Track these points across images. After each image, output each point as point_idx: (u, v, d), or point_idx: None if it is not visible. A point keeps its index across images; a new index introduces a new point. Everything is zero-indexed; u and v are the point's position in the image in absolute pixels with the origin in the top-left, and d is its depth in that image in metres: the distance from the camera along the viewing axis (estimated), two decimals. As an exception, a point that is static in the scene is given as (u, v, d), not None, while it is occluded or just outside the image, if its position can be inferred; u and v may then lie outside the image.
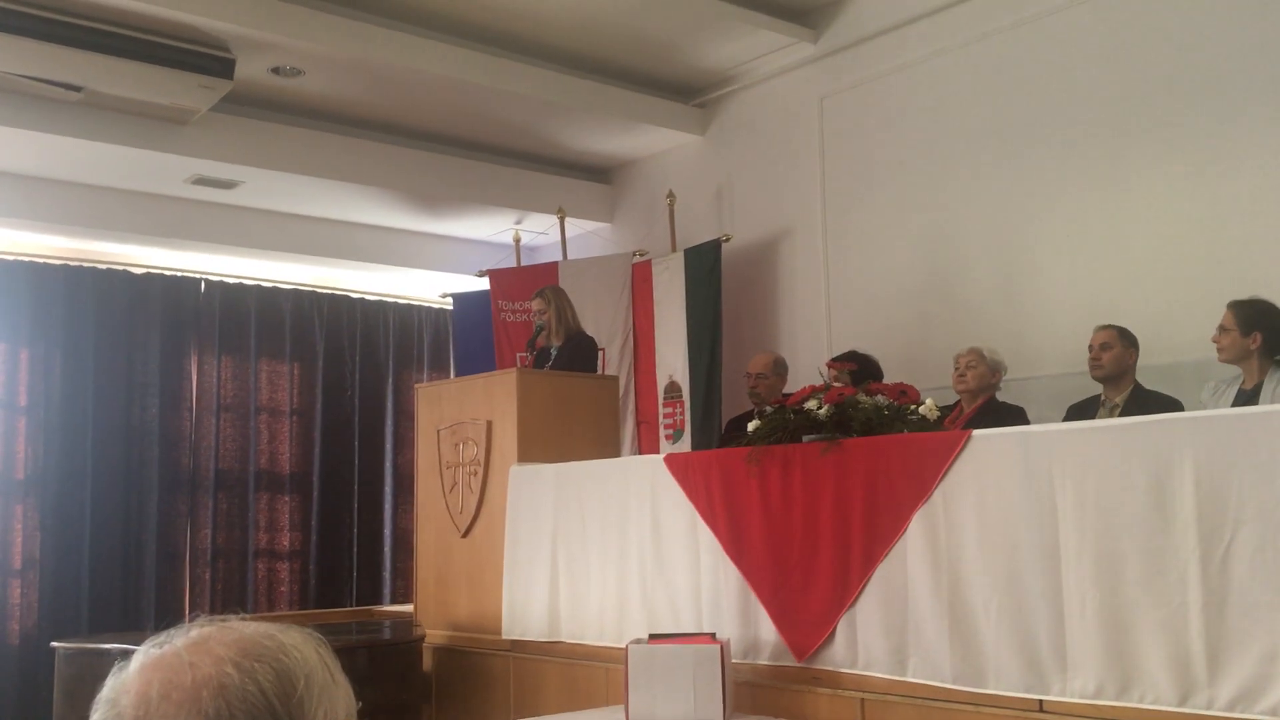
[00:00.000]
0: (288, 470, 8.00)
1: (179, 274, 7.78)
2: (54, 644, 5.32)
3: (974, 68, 6.09)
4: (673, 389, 7.21)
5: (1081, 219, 5.61)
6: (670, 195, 7.34)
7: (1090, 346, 4.73)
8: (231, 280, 7.99)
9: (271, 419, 8.01)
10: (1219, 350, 4.35)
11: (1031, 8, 5.82)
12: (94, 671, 4.82)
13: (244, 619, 1.09)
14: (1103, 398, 4.73)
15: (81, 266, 7.39)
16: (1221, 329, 4.32)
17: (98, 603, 7.07)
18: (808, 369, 5.58)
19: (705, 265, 7.05)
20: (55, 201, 7.00)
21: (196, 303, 7.80)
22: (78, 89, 5.86)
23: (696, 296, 7.08)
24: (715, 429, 6.74)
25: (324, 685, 1.06)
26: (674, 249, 7.31)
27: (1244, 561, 2.91)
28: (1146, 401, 4.52)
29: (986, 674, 3.41)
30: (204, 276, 7.88)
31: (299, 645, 1.07)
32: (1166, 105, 5.32)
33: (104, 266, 7.49)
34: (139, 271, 7.61)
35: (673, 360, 7.21)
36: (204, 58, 5.93)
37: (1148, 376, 4.72)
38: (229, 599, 7.63)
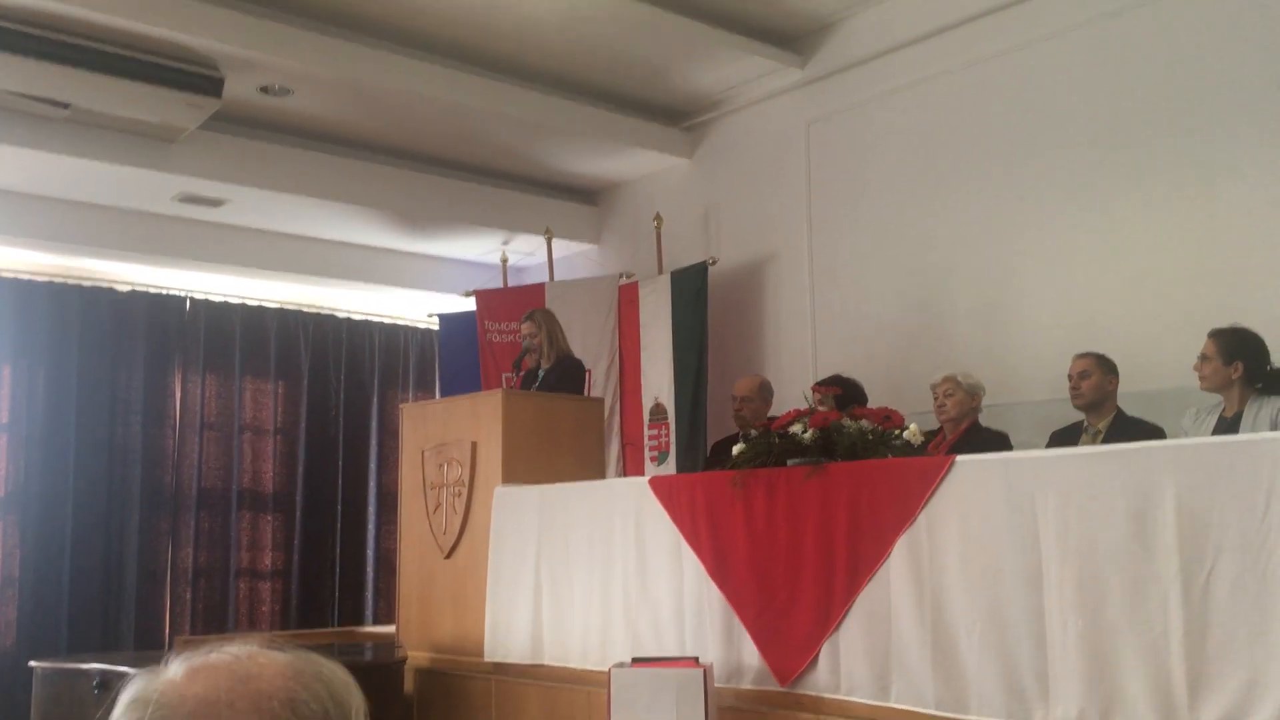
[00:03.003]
0: (271, 489, 7.97)
1: (164, 291, 7.76)
2: (32, 663, 5.26)
3: (958, 95, 6.15)
4: (658, 411, 7.21)
5: (1064, 246, 5.65)
6: (657, 218, 7.37)
7: (1070, 375, 4.76)
8: (217, 298, 7.97)
9: (255, 437, 7.98)
10: (1200, 378, 4.37)
11: (1015, 36, 5.87)
12: (72, 692, 4.78)
13: (278, 644, 1.11)
14: (1085, 424, 4.75)
15: (66, 283, 7.37)
16: (1203, 357, 4.35)
17: (77, 622, 7.02)
18: (793, 392, 5.60)
19: (691, 288, 7.07)
20: (41, 218, 6.99)
21: (181, 320, 7.79)
22: (65, 106, 5.86)
23: (682, 319, 7.09)
24: (700, 451, 6.74)
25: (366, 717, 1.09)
26: (660, 271, 7.33)
27: (1224, 590, 2.92)
28: (1129, 428, 4.54)
29: (969, 700, 3.41)
30: (189, 294, 7.86)
31: (344, 676, 1.09)
32: (1148, 133, 5.37)
33: (89, 283, 7.47)
34: (124, 289, 7.59)
35: (658, 382, 7.22)
36: (193, 76, 5.93)
37: (1130, 403, 4.75)
38: (210, 618, 7.58)
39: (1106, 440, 4.55)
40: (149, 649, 7.14)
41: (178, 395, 7.71)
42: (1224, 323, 4.37)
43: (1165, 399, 4.80)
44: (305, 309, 8.37)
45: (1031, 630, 3.29)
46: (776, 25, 6.69)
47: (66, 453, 7.13)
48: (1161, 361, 4.96)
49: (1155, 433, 4.45)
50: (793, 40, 6.85)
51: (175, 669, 1.05)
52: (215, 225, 7.57)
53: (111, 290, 7.54)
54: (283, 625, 7.78)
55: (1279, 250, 4.92)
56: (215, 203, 7.20)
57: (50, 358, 7.19)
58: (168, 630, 7.42)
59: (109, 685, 4.67)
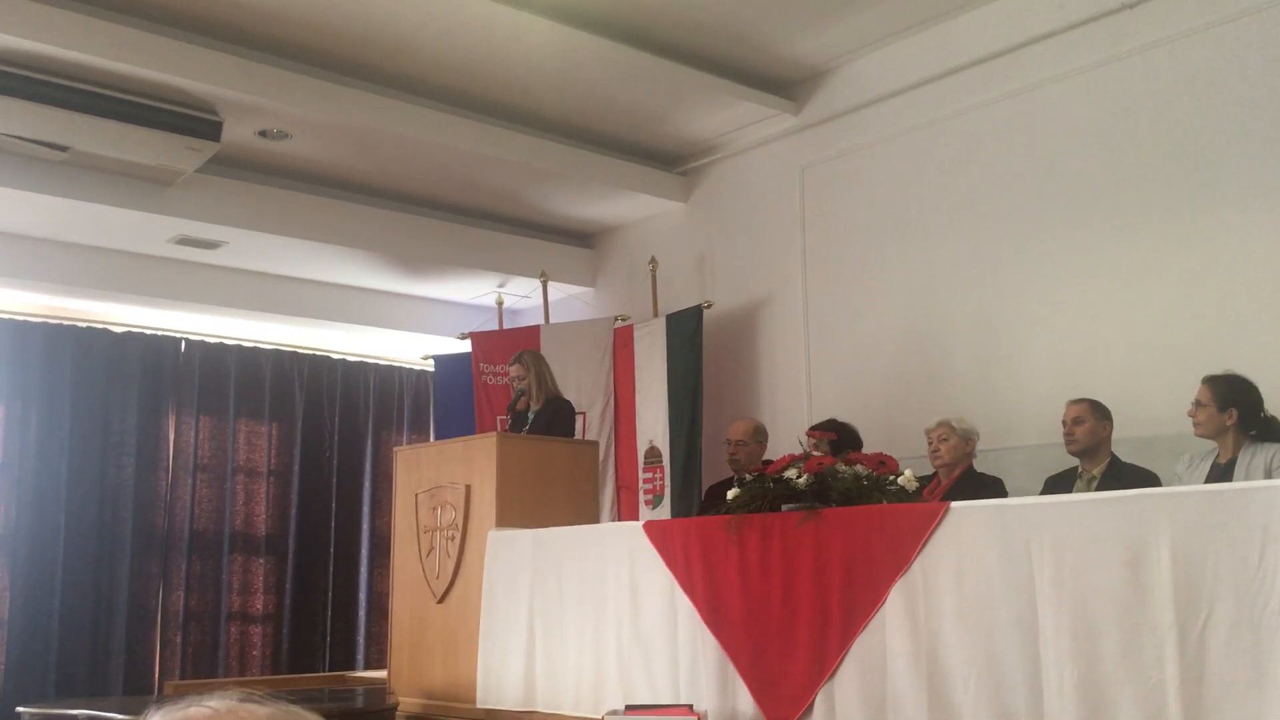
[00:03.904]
0: (263, 532, 7.92)
1: (159, 333, 7.76)
2: (19, 709, 5.20)
3: (952, 142, 6.20)
4: (653, 454, 7.20)
5: (1058, 292, 5.68)
6: (652, 261, 7.40)
7: (1064, 421, 4.76)
8: (212, 340, 7.97)
9: (248, 480, 7.95)
10: (1195, 425, 4.38)
11: (1009, 84, 5.94)
12: (59, 738, 4.73)
13: (258, 696, 1.09)
14: (1080, 470, 4.75)
15: (61, 324, 7.37)
16: (1197, 404, 4.36)
17: (65, 665, 6.95)
18: (787, 437, 5.60)
19: (686, 331, 7.09)
20: (36, 259, 7.00)
21: (176, 362, 7.78)
22: (64, 149, 5.89)
23: (677, 362, 7.10)
24: (695, 495, 6.73)
25: None
26: (655, 314, 7.35)
27: (1220, 638, 2.91)
28: (1123, 474, 4.54)
29: (965, 749, 3.38)
30: (184, 336, 7.86)
31: None
32: (1142, 181, 5.42)
33: (84, 325, 7.46)
34: (119, 330, 7.59)
35: (653, 425, 7.22)
36: (191, 120, 5.97)
37: (1124, 449, 4.75)
38: (200, 663, 7.52)
39: (1101, 486, 4.55)
40: (138, 694, 7.07)
41: (171, 437, 7.68)
42: (1218, 369, 4.39)
43: (1159, 445, 4.81)
44: (300, 350, 8.37)
45: (1027, 678, 3.27)
46: (771, 72, 6.77)
47: (58, 494, 7.10)
48: (1156, 408, 4.97)
49: (1149, 479, 4.45)
50: (787, 87, 6.92)
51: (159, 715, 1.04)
52: (212, 267, 7.60)
53: (106, 331, 7.53)
54: (273, 670, 7.71)
55: (1273, 297, 4.95)
56: (212, 245, 7.22)
57: (43, 398, 7.17)
58: (157, 674, 7.34)
59: (96, 731, 4.62)
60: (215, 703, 1.06)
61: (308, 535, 8.08)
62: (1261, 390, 4.33)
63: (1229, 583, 2.91)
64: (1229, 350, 4.71)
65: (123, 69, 5.58)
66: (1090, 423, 4.70)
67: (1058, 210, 5.71)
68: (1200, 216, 5.22)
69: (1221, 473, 4.26)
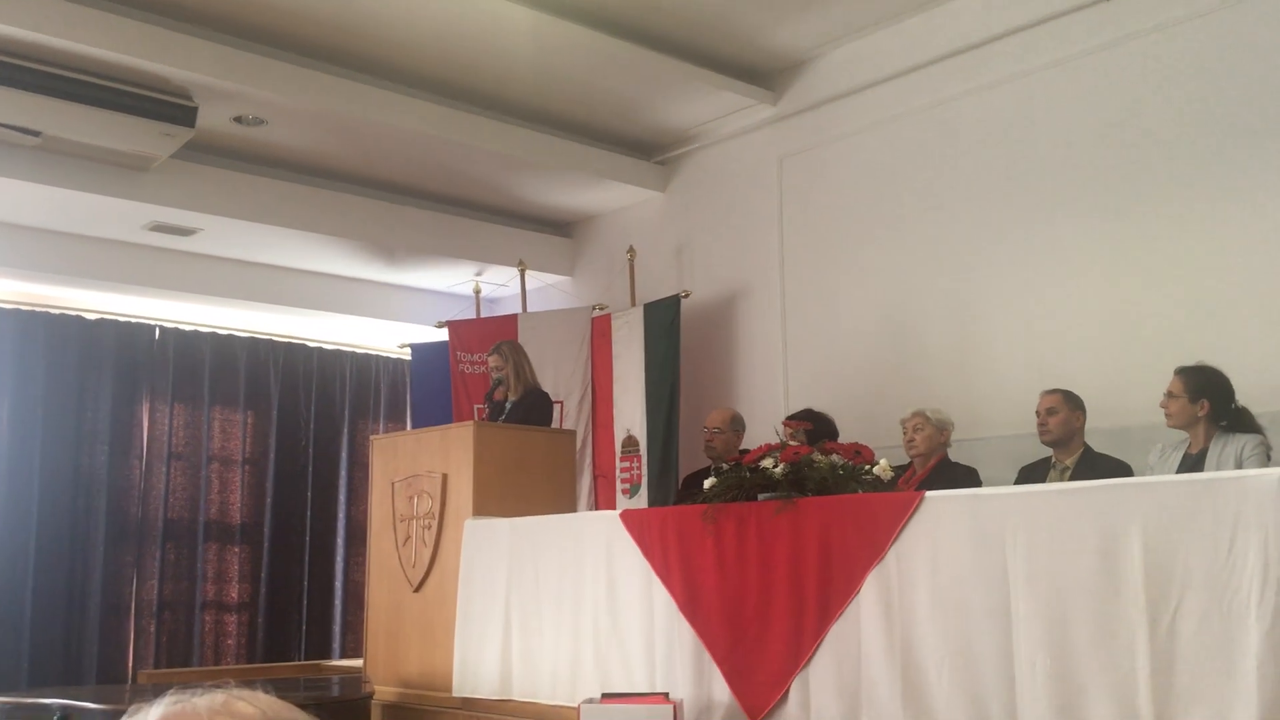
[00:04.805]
0: (238, 520, 7.89)
1: (133, 320, 7.70)
2: (-9, 698, 5.18)
3: (930, 132, 6.22)
4: (630, 443, 7.21)
5: (1033, 283, 5.71)
6: (630, 250, 7.40)
7: (1037, 411, 4.80)
8: (187, 327, 7.92)
9: (223, 468, 7.91)
10: (1167, 416, 4.42)
11: (986, 75, 5.96)
12: (32, 727, 4.69)
13: (248, 695, 1.09)
14: (1053, 460, 4.79)
15: (34, 311, 7.30)
16: (1169, 395, 4.40)
17: (38, 655, 6.90)
18: (764, 426, 5.62)
19: (664, 320, 7.09)
20: (9, 245, 6.93)
21: (150, 349, 7.73)
22: (36, 134, 5.83)
23: (655, 351, 7.11)
24: (672, 484, 6.74)
25: None
26: (633, 304, 7.35)
27: (1190, 627, 2.95)
28: (1096, 464, 4.58)
29: (938, 736, 3.41)
30: (158, 323, 7.81)
31: None
32: (1116, 173, 5.45)
33: (56, 311, 7.40)
34: (92, 317, 7.53)
35: (630, 414, 7.22)
36: (166, 105, 5.92)
37: (1097, 439, 4.79)
38: (174, 652, 7.48)
39: (1074, 476, 4.58)
40: (112, 683, 7.03)
41: (145, 425, 7.63)
42: (1190, 361, 4.42)
43: (1132, 435, 4.85)
44: (276, 338, 8.33)
45: (1000, 667, 3.29)
46: (749, 62, 6.77)
47: (31, 482, 7.04)
48: (1128, 398, 5.01)
49: (1122, 469, 4.49)
50: (765, 77, 6.92)
51: (153, 714, 1.04)
52: (186, 254, 7.54)
53: (80, 318, 7.47)
54: (248, 659, 7.68)
55: (1245, 289, 5.00)
56: (186, 232, 7.16)
57: (16, 386, 7.11)
58: (131, 664, 7.31)
59: (70, 720, 4.60)
60: (210, 698, 1.06)
61: (283, 524, 8.05)
62: (1233, 381, 4.37)
63: (1199, 572, 2.95)
64: (1201, 342, 4.75)
65: (96, 53, 5.52)
66: (1063, 413, 4.73)
67: (1033, 202, 5.74)
68: (1174, 209, 5.26)
69: (1193, 463, 4.30)
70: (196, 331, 7.94)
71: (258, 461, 8.05)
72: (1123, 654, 3.05)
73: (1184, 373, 4.39)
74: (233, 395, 8.01)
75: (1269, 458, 4.18)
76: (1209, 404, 4.32)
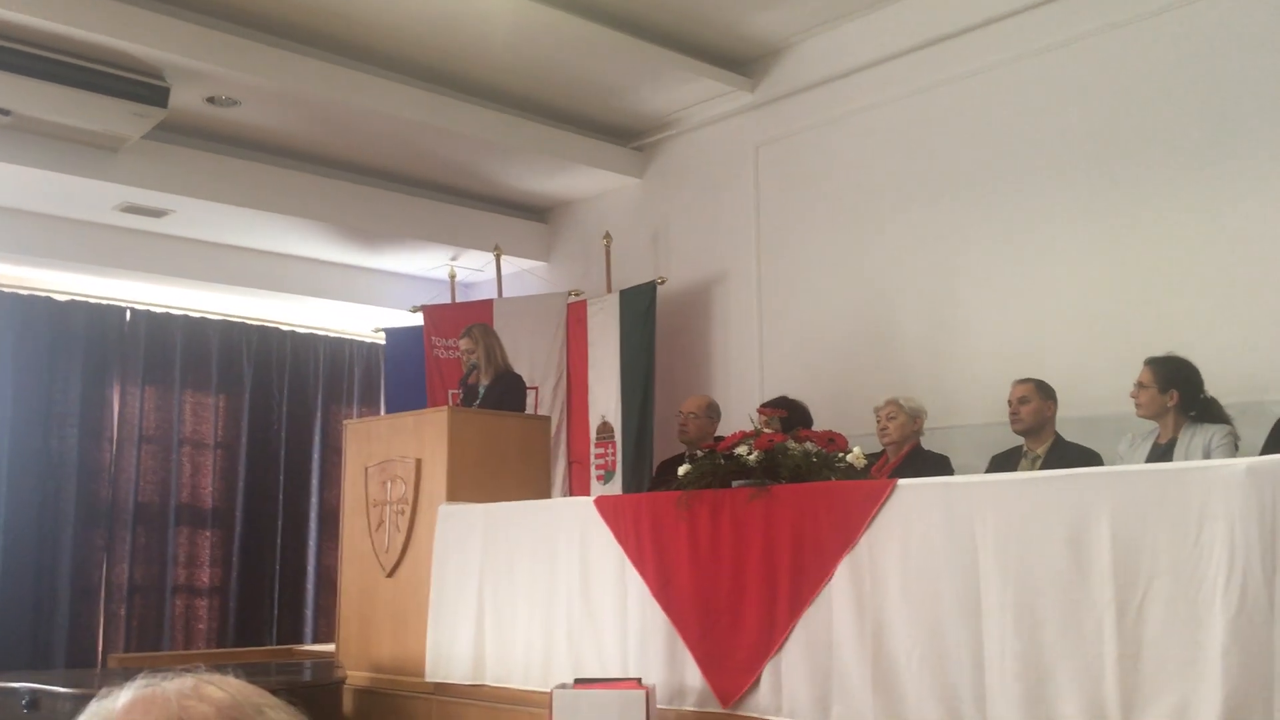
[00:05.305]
0: (210, 504, 7.84)
1: (104, 302, 7.63)
2: (-41, 682, 5.13)
3: (904, 122, 6.24)
4: (605, 429, 7.21)
5: (1007, 273, 5.75)
6: (606, 236, 7.39)
7: (1010, 400, 4.84)
8: (158, 309, 7.85)
9: (195, 452, 7.86)
10: (1137, 406, 4.46)
11: (958, 67, 5.98)
12: (2, 711, 4.66)
13: (218, 679, 1.08)
14: (1024, 449, 4.83)
15: (2, 292, 7.23)
16: (1139, 385, 4.44)
17: (7, 638, 6.84)
18: (739, 413, 5.63)
19: (640, 307, 7.09)
20: (-23, 225, 6.85)
21: (121, 332, 7.66)
22: (6, 113, 5.75)
23: (631, 338, 7.11)
24: (647, 470, 6.75)
25: None
26: (609, 290, 7.34)
27: (1157, 615, 2.98)
28: (1066, 453, 4.62)
29: (908, 722, 3.44)
30: (129, 305, 7.74)
31: (287, 717, 1.07)
32: (1089, 165, 5.49)
33: (25, 293, 7.32)
34: (62, 299, 7.45)
35: (605, 401, 7.22)
36: (138, 85, 5.86)
37: (1069, 428, 4.83)
38: (145, 636, 7.44)
39: (1045, 465, 4.62)
40: (81, 667, 6.99)
41: (116, 407, 7.57)
42: (1161, 352, 4.47)
43: (1102, 425, 4.89)
44: (249, 321, 8.27)
45: (970, 653, 3.32)
46: (727, 49, 6.76)
47: (-1, 465, 6.98)
48: (1099, 388, 5.05)
49: (1092, 458, 4.53)
50: (743, 64, 6.91)
51: (122, 697, 1.04)
52: (158, 236, 7.47)
53: (49, 299, 7.39)
54: (219, 643, 7.65)
55: (1215, 281, 5.05)
56: (158, 213, 7.10)
57: (-16, 368, 7.03)
58: (100, 648, 7.26)
59: (39, 704, 4.56)
60: (179, 682, 1.05)
61: (255, 508, 8.01)
62: (1202, 372, 4.42)
63: (1166, 560, 2.98)
64: (1171, 333, 4.80)
65: (68, 32, 5.45)
66: (1035, 402, 4.77)
67: (1007, 192, 5.77)
68: (1146, 202, 5.29)
69: (1162, 453, 4.35)
70: (168, 314, 7.88)
71: (230, 445, 8.01)
72: (1090, 641, 3.08)
73: (1154, 363, 4.43)
74: (205, 378, 7.96)
75: (1237, 448, 4.23)
76: (1178, 394, 4.36)
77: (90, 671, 6.68)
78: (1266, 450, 3.98)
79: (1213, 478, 2.96)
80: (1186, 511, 2.97)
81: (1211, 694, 2.84)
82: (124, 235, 7.35)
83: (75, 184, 6.52)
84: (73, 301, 7.49)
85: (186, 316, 7.96)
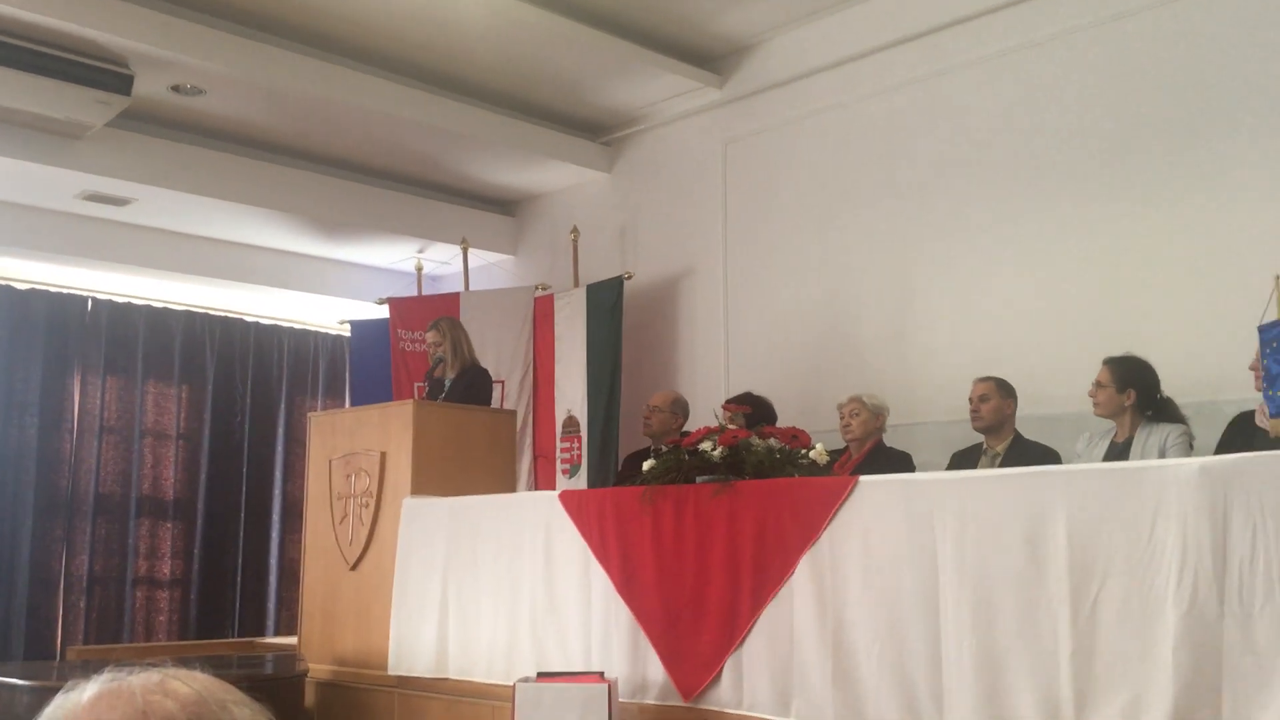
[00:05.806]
0: (171, 495, 7.78)
1: (65, 291, 7.54)
2: (-86, 674, 5.07)
3: (873, 120, 6.29)
4: (571, 424, 7.22)
5: (969, 273, 5.81)
6: (574, 231, 7.39)
7: (970, 398, 4.89)
8: (120, 299, 7.77)
9: (157, 442, 7.79)
10: (1095, 405, 4.53)
11: (929, 65, 6.03)
12: (-44, 704, 4.61)
13: (184, 674, 1.09)
14: (985, 446, 4.88)
15: (-39, 279, 7.14)
16: (1097, 384, 4.51)
17: (-37, 630, 6.78)
18: (704, 408, 5.66)
19: (607, 302, 7.10)
20: (-64, 212, 6.76)
21: (82, 321, 7.58)
22: (-35, 98, 5.68)
23: (597, 332, 7.12)
24: (612, 465, 6.77)
25: None
26: (576, 284, 7.35)
27: (1111, 612, 3.03)
28: (1026, 451, 4.68)
29: (867, 716, 3.47)
30: (91, 294, 7.65)
31: (250, 712, 1.07)
32: (1051, 166, 5.55)
33: (-15, 281, 7.24)
34: (23, 287, 7.36)
35: (572, 395, 7.23)
36: (101, 73, 5.80)
37: (1028, 427, 4.89)
38: (104, 628, 7.37)
39: (1004, 462, 4.68)
40: (40, 659, 6.92)
41: (76, 397, 7.49)
42: (1119, 351, 4.53)
43: (1061, 423, 4.96)
44: (212, 312, 8.20)
45: (928, 648, 3.36)
46: (697, 45, 6.78)
47: (-44, 455, 6.90)
48: (1058, 387, 5.12)
49: (1050, 456, 4.59)
50: (712, 61, 6.94)
51: (88, 691, 1.04)
52: (120, 225, 7.39)
53: (9, 288, 7.30)
54: (180, 635, 7.60)
55: (1173, 281, 5.12)
56: (121, 202, 7.03)
57: (-58, 356, 6.94)
58: (60, 640, 7.19)
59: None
60: (145, 676, 1.05)
61: (218, 500, 7.96)
62: (1159, 373, 4.49)
63: (1121, 558, 3.03)
64: (1129, 333, 4.87)
65: (30, 17, 5.39)
66: (995, 400, 4.83)
67: (970, 192, 5.83)
68: (1106, 204, 5.37)
69: (1118, 451, 4.42)
70: (130, 304, 7.80)
71: (192, 437, 7.95)
72: (1045, 637, 3.13)
73: (1112, 363, 4.50)
74: (167, 369, 7.89)
75: (1191, 447, 4.30)
76: (1135, 394, 4.43)
77: (49, 664, 6.62)
78: (1220, 450, 4.05)
79: (1167, 477, 3.00)
80: (1141, 510, 3.01)
81: (1163, 690, 2.89)
82: (86, 224, 7.27)
83: (37, 171, 6.44)
84: (33, 290, 7.40)
85: (149, 306, 7.89)
